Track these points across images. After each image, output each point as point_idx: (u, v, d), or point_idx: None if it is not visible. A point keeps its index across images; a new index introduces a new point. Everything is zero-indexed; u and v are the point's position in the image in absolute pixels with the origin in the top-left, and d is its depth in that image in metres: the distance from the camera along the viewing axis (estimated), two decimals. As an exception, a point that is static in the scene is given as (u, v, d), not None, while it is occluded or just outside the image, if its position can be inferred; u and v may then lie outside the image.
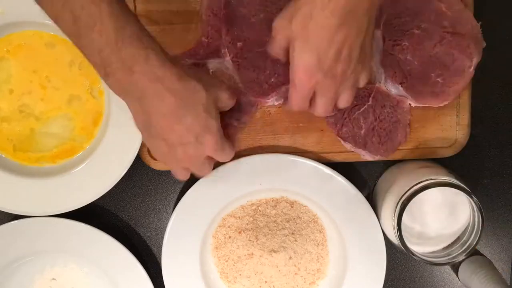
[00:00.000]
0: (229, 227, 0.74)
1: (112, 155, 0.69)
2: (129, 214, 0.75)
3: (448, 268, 0.76)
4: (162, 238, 0.73)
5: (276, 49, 0.57)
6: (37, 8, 0.64)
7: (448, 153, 0.72)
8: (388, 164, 0.74)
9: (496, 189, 0.75)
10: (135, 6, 0.68)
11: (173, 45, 0.68)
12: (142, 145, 0.71)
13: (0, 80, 0.68)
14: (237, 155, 0.71)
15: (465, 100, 0.70)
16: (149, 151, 0.71)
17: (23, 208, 0.69)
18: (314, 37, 0.51)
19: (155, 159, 0.72)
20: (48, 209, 0.69)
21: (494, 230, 0.75)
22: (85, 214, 0.71)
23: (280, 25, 0.55)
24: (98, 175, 0.69)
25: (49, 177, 0.70)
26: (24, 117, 0.69)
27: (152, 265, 0.75)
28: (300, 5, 0.52)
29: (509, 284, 0.76)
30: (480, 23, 0.66)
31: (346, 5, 0.49)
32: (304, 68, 0.53)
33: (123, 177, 0.69)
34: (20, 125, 0.69)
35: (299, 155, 0.70)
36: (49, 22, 0.65)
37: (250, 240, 0.73)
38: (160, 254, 0.73)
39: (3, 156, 0.70)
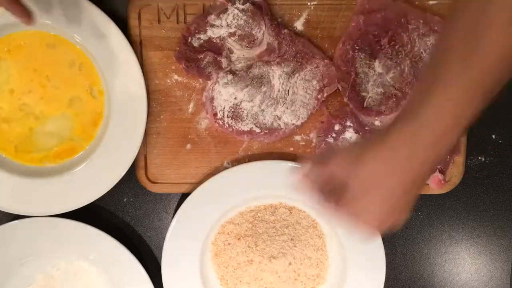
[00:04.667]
0: (228, 234, 0.74)
1: (112, 155, 0.69)
2: (129, 214, 0.75)
3: (448, 268, 0.76)
4: (162, 237, 0.73)
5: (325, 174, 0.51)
6: (37, 7, 0.64)
7: (442, 190, 0.72)
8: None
9: (496, 189, 0.75)
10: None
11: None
12: (140, 167, 0.71)
13: (0, 81, 0.68)
14: (237, 162, 0.72)
15: (461, 140, 0.71)
16: (146, 173, 0.72)
17: (23, 208, 0.69)
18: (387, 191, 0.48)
19: (152, 182, 0.72)
20: (48, 209, 0.70)
21: (494, 230, 0.75)
22: (85, 214, 0.71)
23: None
24: (98, 175, 0.69)
25: (49, 177, 0.70)
26: (24, 116, 0.69)
27: (152, 264, 0.75)
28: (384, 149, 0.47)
29: (510, 286, 0.76)
30: None
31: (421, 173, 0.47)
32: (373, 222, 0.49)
33: (123, 177, 0.69)
34: (20, 125, 0.69)
35: (298, 161, 0.70)
36: (49, 22, 0.66)
37: (249, 247, 0.73)
38: (160, 254, 0.73)
39: (4, 156, 0.70)
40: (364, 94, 0.68)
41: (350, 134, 0.69)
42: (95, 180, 0.69)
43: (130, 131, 0.68)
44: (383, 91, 0.68)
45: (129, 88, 0.67)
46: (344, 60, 0.68)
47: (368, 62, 0.68)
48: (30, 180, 0.69)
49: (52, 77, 0.69)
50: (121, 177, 0.69)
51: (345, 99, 0.69)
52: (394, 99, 0.68)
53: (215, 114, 0.68)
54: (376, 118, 0.69)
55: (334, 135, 0.70)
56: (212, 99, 0.68)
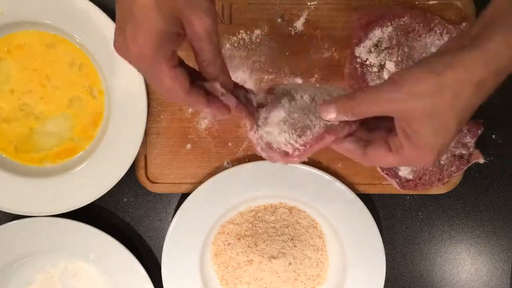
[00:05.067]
0: (228, 233, 0.74)
1: (112, 155, 0.69)
2: (129, 214, 0.75)
3: (448, 268, 0.76)
4: (162, 237, 0.73)
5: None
6: (37, 7, 0.64)
7: (442, 190, 0.72)
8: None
9: (496, 189, 0.75)
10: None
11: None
12: (140, 167, 0.71)
13: (0, 81, 0.68)
14: (237, 162, 0.72)
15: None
16: (146, 173, 0.72)
17: (23, 208, 0.69)
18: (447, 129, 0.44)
19: (152, 182, 0.72)
20: (48, 209, 0.70)
21: (494, 230, 0.75)
22: (85, 214, 0.71)
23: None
24: (98, 175, 0.69)
25: (49, 177, 0.70)
26: (24, 116, 0.69)
27: (152, 264, 0.75)
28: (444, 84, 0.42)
29: (510, 286, 0.76)
30: None
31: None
32: (432, 153, 0.45)
33: (123, 177, 0.69)
34: (20, 125, 0.70)
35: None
36: (49, 22, 0.66)
37: (249, 247, 0.73)
38: (160, 254, 0.73)
39: (4, 156, 0.70)
40: None
41: None
42: (95, 180, 0.69)
43: (130, 131, 0.68)
44: None
45: (129, 88, 0.67)
46: (354, 78, 0.68)
47: (377, 73, 0.68)
48: (30, 180, 0.69)
49: (52, 77, 0.69)
50: (121, 177, 0.69)
51: None
52: None
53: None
54: None
55: None
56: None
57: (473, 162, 0.69)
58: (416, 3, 0.69)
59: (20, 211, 0.69)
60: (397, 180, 0.69)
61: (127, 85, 0.67)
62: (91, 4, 0.65)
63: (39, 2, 0.65)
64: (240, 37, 0.70)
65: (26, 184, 0.69)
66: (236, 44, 0.70)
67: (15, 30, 0.67)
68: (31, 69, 0.68)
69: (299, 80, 0.70)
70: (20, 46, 0.68)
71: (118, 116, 0.68)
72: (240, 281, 0.74)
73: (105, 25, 0.66)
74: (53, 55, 0.68)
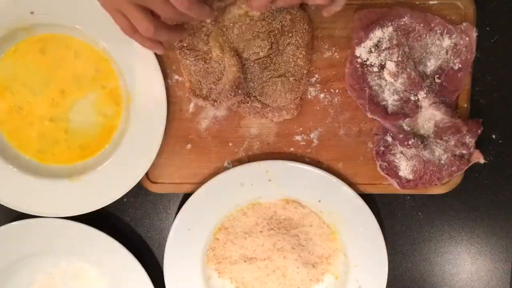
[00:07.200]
0: (230, 233, 0.74)
1: (127, 162, 0.69)
2: (129, 214, 0.75)
3: (448, 268, 0.76)
4: (163, 238, 0.73)
5: None
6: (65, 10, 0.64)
7: (442, 190, 0.72)
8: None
9: (496, 189, 0.75)
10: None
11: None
12: None
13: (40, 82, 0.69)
14: (237, 162, 0.72)
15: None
16: (146, 173, 0.71)
17: (33, 208, 0.70)
18: None
19: (152, 182, 0.72)
20: (56, 211, 0.70)
21: (494, 230, 0.75)
22: (85, 215, 0.71)
23: None
24: (110, 182, 0.69)
25: (60, 178, 0.70)
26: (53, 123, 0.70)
27: (152, 265, 0.75)
28: None
29: (510, 286, 0.76)
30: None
31: None
32: None
33: (123, 177, 0.69)
34: (42, 126, 0.70)
35: (299, 161, 0.71)
36: (80, 27, 0.66)
37: (251, 246, 0.73)
38: (160, 254, 0.73)
39: (22, 155, 0.70)
40: (384, 103, 0.68)
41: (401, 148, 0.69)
42: (107, 186, 0.69)
43: (146, 136, 0.68)
44: (398, 97, 0.68)
45: (149, 97, 0.68)
46: (355, 78, 0.68)
47: (378, 73, 0.68)
48: (47, 181, 0.70)
49: (72, 82, 0.69)
50: (132, 186, 0.69)
51: (368, 114, 0.69)
52: (412, 101, 0.68)
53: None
54: (403, 120, 0.69)
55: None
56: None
57: (473, 162, 0.69)
58: (417, 3, 0.69)
59: (28, 210, 0.69)
60: (397, 180, 0.69)
61: (147, 95, 0.68)
62: None
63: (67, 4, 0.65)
64: (240, 37, 0.70)
65: (36, 184, 0.69)
66: (236, 44, 0.70)
67: (45, 32, 0.67)
68: (54, 73, 0.69)
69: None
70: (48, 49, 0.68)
71: (136, 123, 0.68)
72: (243, 281, 0.74)
73: None
74: (77, 63, 0.68)
